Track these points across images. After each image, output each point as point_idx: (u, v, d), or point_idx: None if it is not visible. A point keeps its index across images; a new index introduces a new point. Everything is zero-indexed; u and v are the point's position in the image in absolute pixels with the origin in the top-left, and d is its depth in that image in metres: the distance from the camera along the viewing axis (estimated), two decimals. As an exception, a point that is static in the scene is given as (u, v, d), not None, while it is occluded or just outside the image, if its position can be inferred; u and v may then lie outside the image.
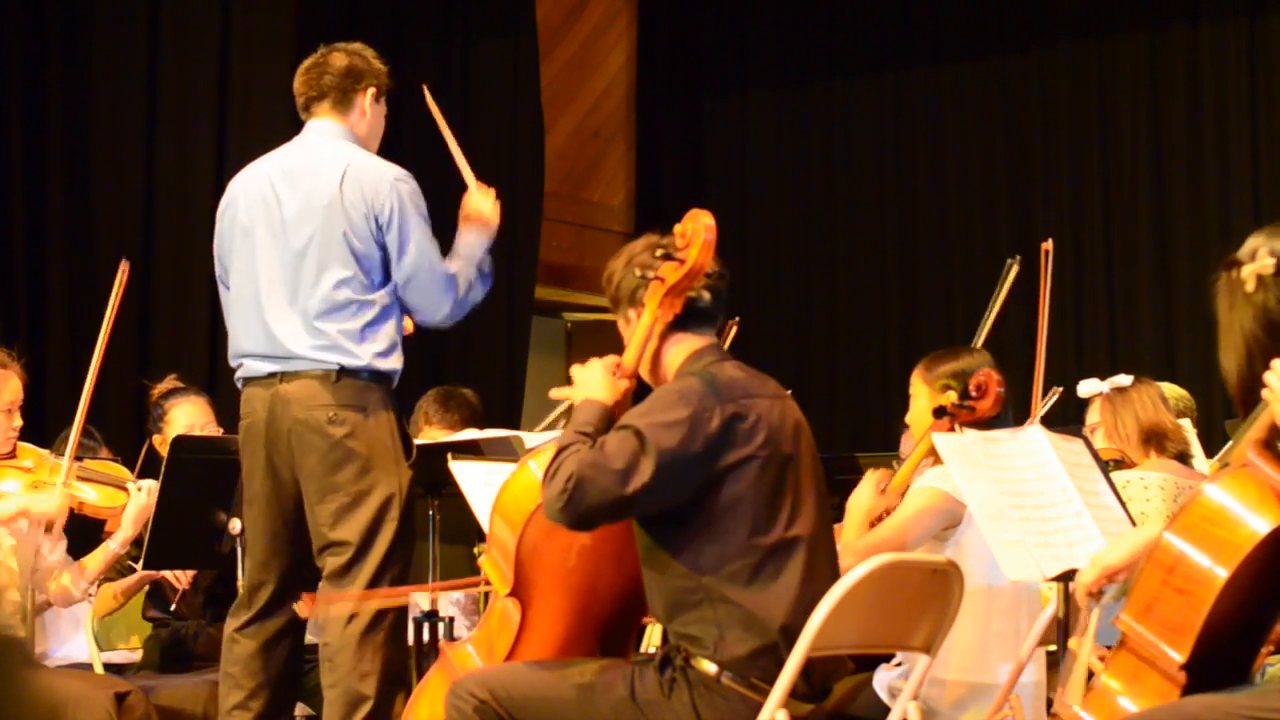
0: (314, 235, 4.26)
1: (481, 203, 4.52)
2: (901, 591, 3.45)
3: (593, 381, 3.54)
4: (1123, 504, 3.67)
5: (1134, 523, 3.73)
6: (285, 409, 4.24)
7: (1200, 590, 2.91)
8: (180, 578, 5.19)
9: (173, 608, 5.20)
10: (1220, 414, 6.53)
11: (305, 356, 4.24)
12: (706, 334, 3.57)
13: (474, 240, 4.46)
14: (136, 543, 4.98)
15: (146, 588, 5.26)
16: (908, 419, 4.42)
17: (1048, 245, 5.12)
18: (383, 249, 4.27)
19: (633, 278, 3.55)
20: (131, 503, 4.88)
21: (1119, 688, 3.03)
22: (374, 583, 4.20)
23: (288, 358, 4.26)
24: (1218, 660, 2.97)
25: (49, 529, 4.82)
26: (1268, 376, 2.95)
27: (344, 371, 4.24)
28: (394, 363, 4.31)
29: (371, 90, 4.46)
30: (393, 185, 4.29)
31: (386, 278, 4.31)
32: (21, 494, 4.76)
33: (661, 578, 3.40)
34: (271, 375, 4.28)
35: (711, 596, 3.35)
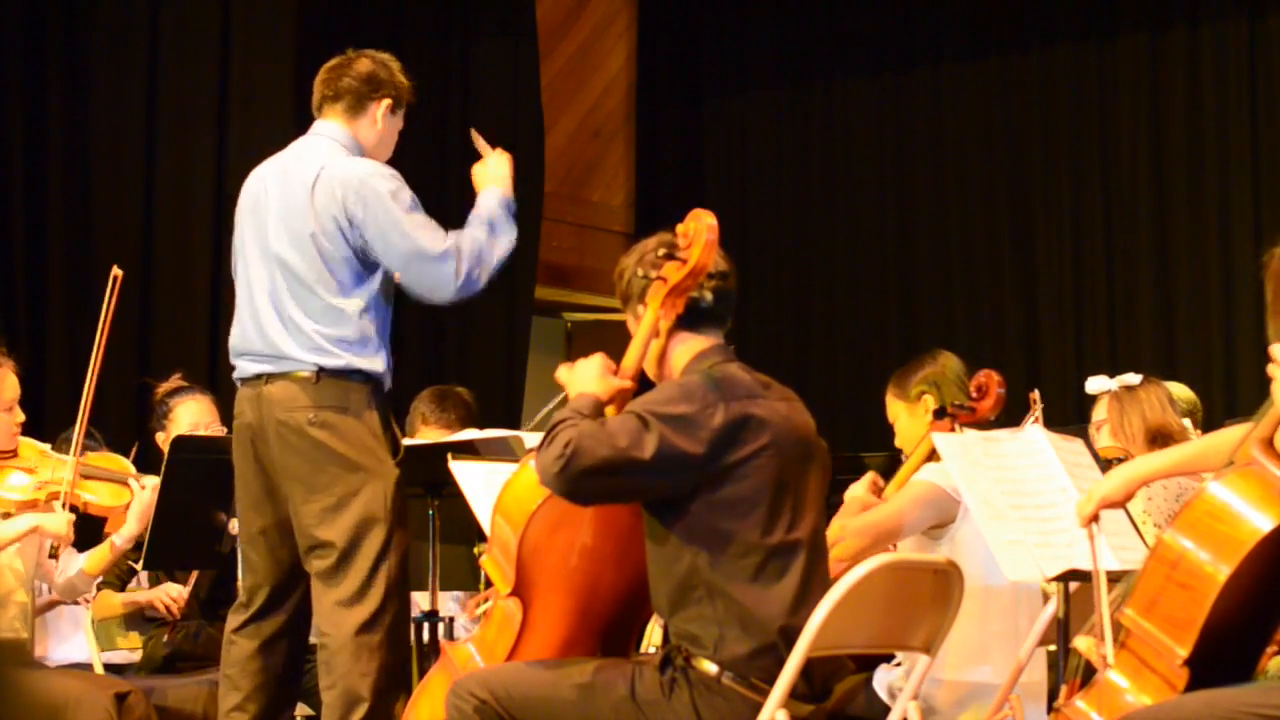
0: (292, 237, 4.26)
1: (489, 166, 4.46)
2: (901, 591, 3.45)
3: (588, 376, 3.54)
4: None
5: (1134, 523, 3.74)
6: (269, 411, 4.24)
7: (1203, 585, 2.93)
8: (171, 607, 5.18)
9: (166, 638, 5.21)
10: (1221, 414, 6.54)
11: (290, 357, 4.24)
12: (712, 335, 3.57)
13: (484, 199, 4.39)
14: (136, 544, 4.98)
15: (147, 585, 5.26)
16: (898, 442, 4.43)
17: (1035, 395, 5.18)
18: (359, 249, 4.24)
19: (638, 277, 3.56)
20: (136, 500, 4.88)
21: (1123, 683, 3.04)
22: (368, 583, 4.18)
23: (276, 357, 4.25)
24: (1222, 659, 2.98)
25: (54, 554, 4.82)
26: (1275, 349, 2.97)
27: (324, 372, 4.22)
28: (377, 363, 4.28)
29: (388, 101, 4.44)
30: (362, 183, 4.25)
31: (363, 278, 4.28)
32: (32, 505, 4.76)
33: (665, 571, 3.41)
34: (259, 376, 4.28)
35: (712, 593, 3.35)
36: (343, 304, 4.24)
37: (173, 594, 5.19)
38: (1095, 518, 3.28)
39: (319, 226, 4.23)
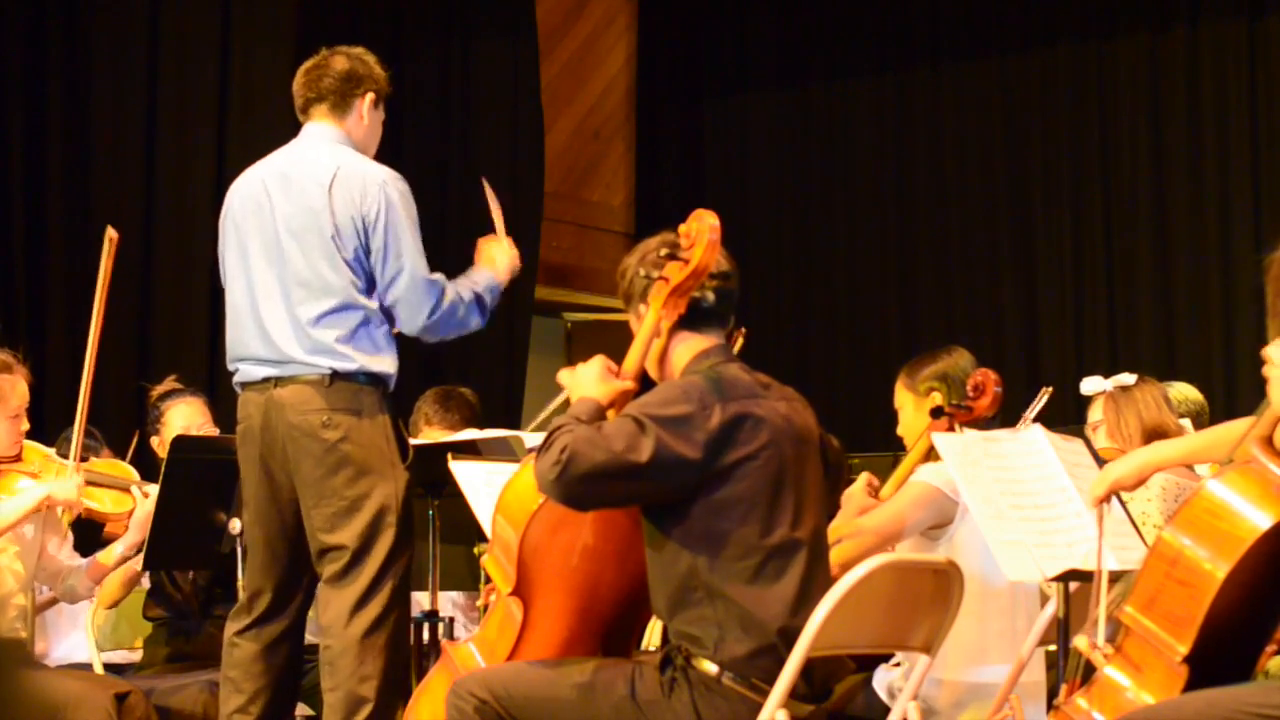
0: (304, 239, 4.25)
1: (497, 250, 4.51)
2: (901, 591, 3.45)
3: (588, 380, 3.54)
4: (1123, 504, 3.68)
5: (1134, 523, 3.74)
6: (280, 414, 4.23)
7: (1202, 582, 2.94)
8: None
9: (182, 596, 5.19)
10: (1221, 414, 6.53)
11: (299, 361, 4.23)
12: (713, 334, 3.56)
13: (480, 276, 4.44)
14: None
15: (148, 585, 5.26)
16: (900, 431, 4.42)
17: (1047, 391, 5.22)
18: (368, 251, 4.26)
19: (640, 277, 3.55)
20: (138, 509, 4.89)
21: (1123, 681, 3.05)
22: (375, 586, 4.18)
23: (283, 362, 4.25)
24: (1222, 657, 2.99)
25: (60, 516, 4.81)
26: (1268, 351, 2.98)
27: (337, 375, 4.22)
28: (388, 365, 4.30)
29: (370, 95, 4.45)
30: (381, 187, 4.27)
31: (375, 280, 4.29)
32: (41, 483, 4.76)
33: (664, 574, 3.41)
34: (266, 380, 4.27)
35: (712, 595, 3.35)
36: (357, 305, 4.24)
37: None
38: (1106, 499, 3.28)
39: (336, 227, 4.23)
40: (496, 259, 4.50)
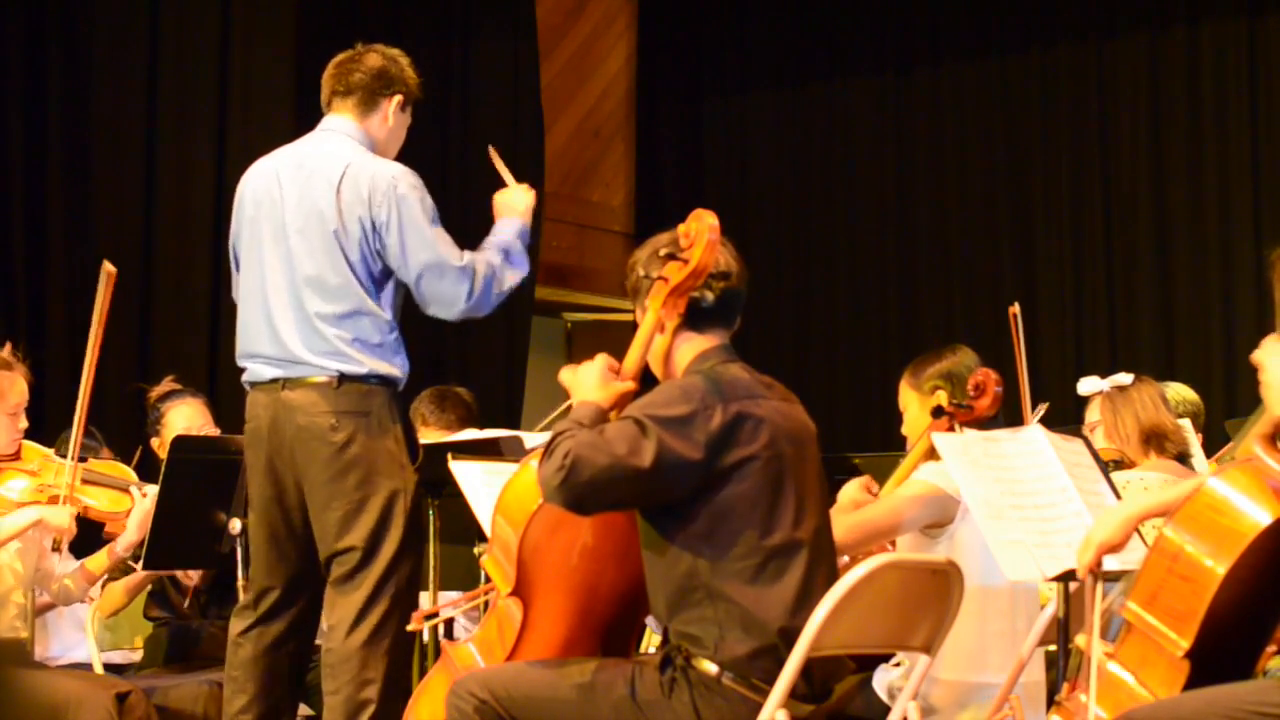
0: (310, 239, 4.23)
1: (512, 196, 4.47)
2: (901, 591, 3.45)
3: (589, 383, 3.53)
4: (1118, 496, 3.68)
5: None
6: (288, 416, 4.22)
7: (1203, 578, 2.95)
8: (191, 574, 5.19)
9: (186, 603, 5.20)
10: (1220, 414, 6.54)
11: (308, 362, 4.21)
12: (716, 335, 3.55)
13: (503, 227, 4.40)
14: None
15: (149, 587, 5.26)
16: (904, 430, 4.42)
17: (1015, 309, 5.18)
18: (381, 253, 4.24)
19: (642, 277, 3.55)
20: (136, 508, 4.88)
21: (1125, 676, 3.06)
22: (381, 587, 4.18)
23: (292, 362, 4.23)
24: (1223, 656, 3.00)
25: (56, 547, 4.81)
26: (1257, 356, 2.99)
27: (345, 378, 4.21)
28: (396, 367, 4.28)
29: (399, 98, 4.41)
30: (390, 185, 4.23)
31: (384, 280, 4.27)
32: (35, 504, 4.76)
33: (663, 575, 3.41)
34: (275, 381, 4.26)
35: (712, 595, 3.35)
36: (365, 306, 4.22)
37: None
38: (1097, 566, 3.24)
39: (342, 225, 4.21)
40: (514, 202, 4.45)
